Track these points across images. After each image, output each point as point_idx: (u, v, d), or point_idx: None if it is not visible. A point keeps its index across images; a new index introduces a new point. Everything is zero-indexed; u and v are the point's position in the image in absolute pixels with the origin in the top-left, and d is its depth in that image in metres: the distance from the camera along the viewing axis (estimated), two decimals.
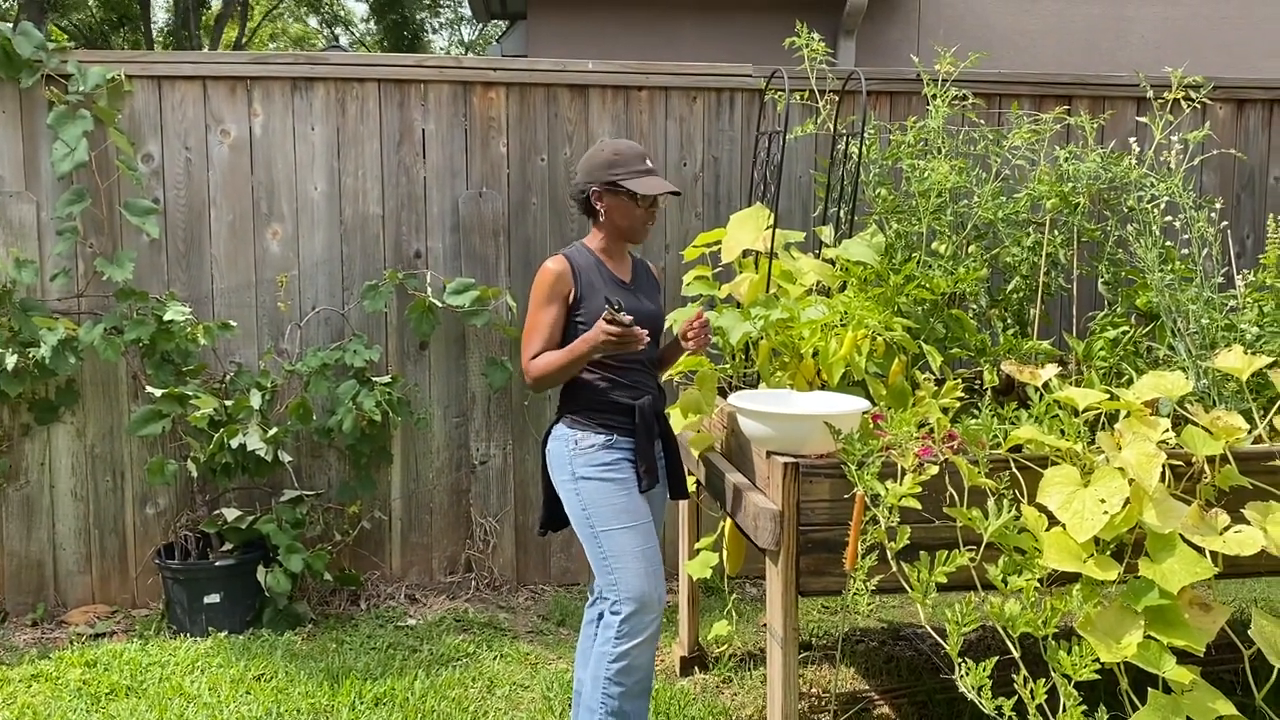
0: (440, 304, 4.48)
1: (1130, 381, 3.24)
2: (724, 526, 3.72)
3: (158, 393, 4.22)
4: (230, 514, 4.32)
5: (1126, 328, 3.41)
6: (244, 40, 19.03)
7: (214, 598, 4.25)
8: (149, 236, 4.33)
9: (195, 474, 4.30)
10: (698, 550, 3.79)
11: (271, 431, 4.25)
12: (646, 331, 2.87)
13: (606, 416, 3.00)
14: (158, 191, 4.44)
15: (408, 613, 4.50)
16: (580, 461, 2.98)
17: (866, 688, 3.82)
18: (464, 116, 4.61)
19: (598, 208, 3.04)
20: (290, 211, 4.54)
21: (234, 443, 4.18)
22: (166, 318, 4.23)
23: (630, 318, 2.82)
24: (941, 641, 2.51)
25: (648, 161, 3.04)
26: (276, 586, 4.22)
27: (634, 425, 3.02)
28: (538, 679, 3.87)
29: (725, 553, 3.69)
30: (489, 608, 4.57)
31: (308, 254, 4.56)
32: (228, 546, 4.37)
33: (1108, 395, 2.82)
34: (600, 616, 3.06)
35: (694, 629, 4.00)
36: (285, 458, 4.39)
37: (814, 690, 3.79)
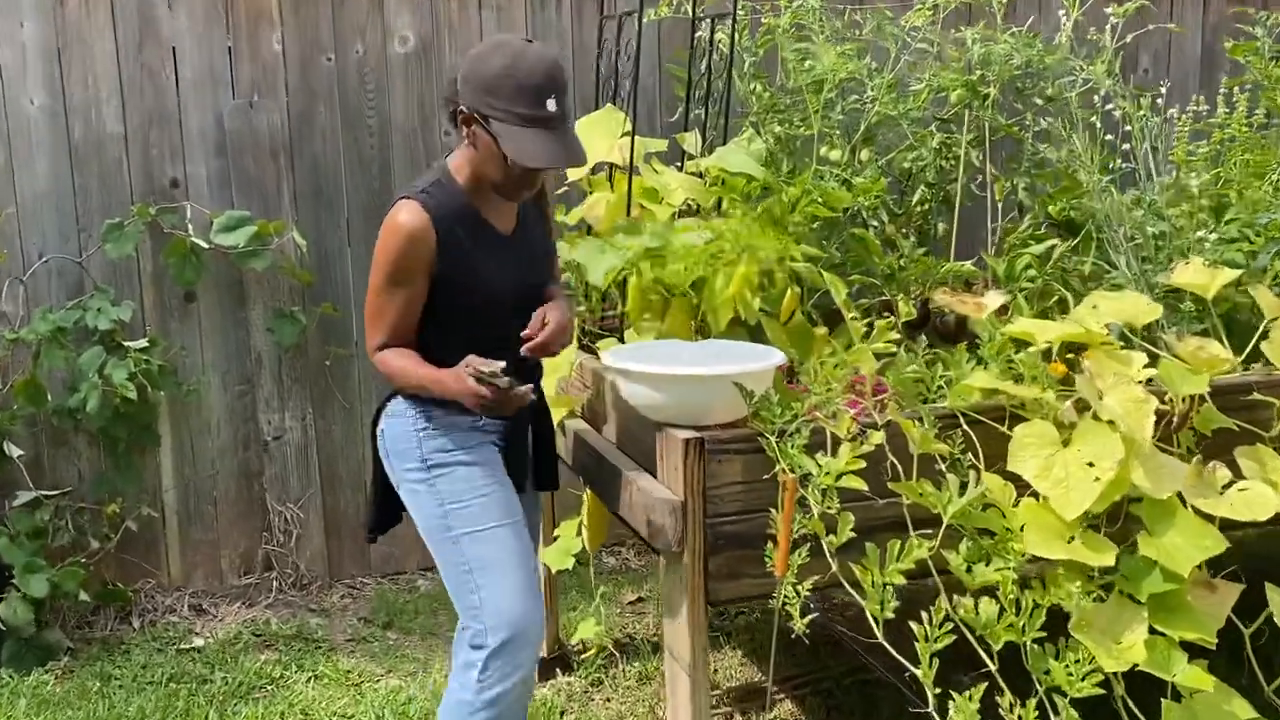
0: (207, 244, 3.59)
1: (1064, 306, 2.74)
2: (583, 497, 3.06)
3: None
4: None
5: (1054, 241, 2.89)
6: None
7: None
8: None
9: None
10: (556, 537, 3.12)
11: None
12: (530, 388, 2.16)
13: None
14: None
15: (194, 629, 3.66)
16: (432, 446, 2.26)
17: (760, 676, 3.26)
18: (224, 8, 3.68)
19: (464, 132, 2.18)
20: (0, 133, 3.53)
21: None
22: None
23: (508, 380, 2.09)
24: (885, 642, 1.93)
25: (550, 103, 2.11)
26: (13, 618, 3.30)
27: None
28: (364, 705, 3.14)
29: (584, 530, 3.05)
30: (297, 613, 3.77)
31: (28, 187, 3.57)
32: None
33: (1072, 326, 2.29)
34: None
35: (554, 623, 3.35)
36: (15, 451, 3.45)
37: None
